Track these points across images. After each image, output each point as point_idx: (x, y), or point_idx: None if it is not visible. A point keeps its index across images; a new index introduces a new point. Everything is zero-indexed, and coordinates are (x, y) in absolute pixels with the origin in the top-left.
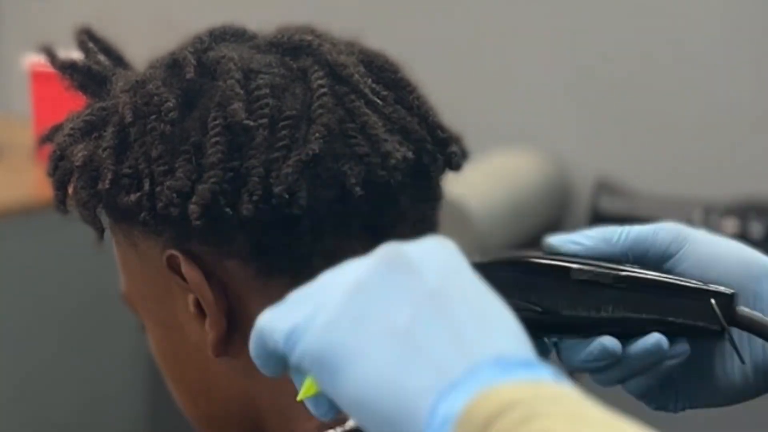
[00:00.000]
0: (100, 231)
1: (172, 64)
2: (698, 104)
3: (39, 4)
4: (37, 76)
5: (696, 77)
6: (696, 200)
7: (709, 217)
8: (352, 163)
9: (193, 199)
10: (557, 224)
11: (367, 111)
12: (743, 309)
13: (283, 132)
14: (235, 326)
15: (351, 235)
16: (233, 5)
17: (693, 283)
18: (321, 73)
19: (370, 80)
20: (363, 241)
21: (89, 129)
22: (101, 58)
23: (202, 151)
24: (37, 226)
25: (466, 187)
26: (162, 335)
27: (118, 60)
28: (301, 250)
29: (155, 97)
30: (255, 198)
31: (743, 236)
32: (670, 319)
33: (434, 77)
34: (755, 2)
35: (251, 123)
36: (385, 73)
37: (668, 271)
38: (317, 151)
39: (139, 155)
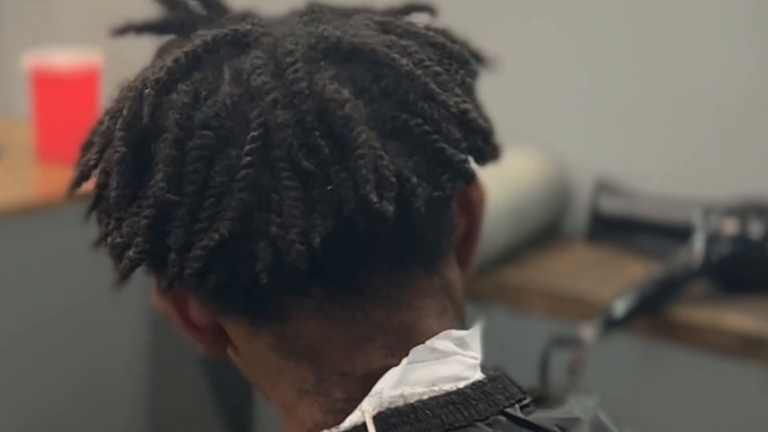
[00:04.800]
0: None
1: (138, 98)
2: (698, 104)
3: (39, 4)
4: (37, 76)
5: (696, 77)
6: (696, 200)
7: (709, 217)
8: (264, 243)
9: (122, 263)
10: (557, 224)
11: (290, 183)
12: None
13: (209, 201)
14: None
15: (300, 291)
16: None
17: None
18: (256, 134)
19: (316, 134)
20: (318, 294)
21: (88, 146)
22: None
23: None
24: (37, 226)
25: None
26: None
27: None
28: (242, 306)
29: (115, 142)
30: (170, 275)
31: (743, 236)
32: None
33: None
34: (756, 3)
35: (172, 197)
36: (334, 127)
37: None
38: (226, 235)
39: (110, 187)
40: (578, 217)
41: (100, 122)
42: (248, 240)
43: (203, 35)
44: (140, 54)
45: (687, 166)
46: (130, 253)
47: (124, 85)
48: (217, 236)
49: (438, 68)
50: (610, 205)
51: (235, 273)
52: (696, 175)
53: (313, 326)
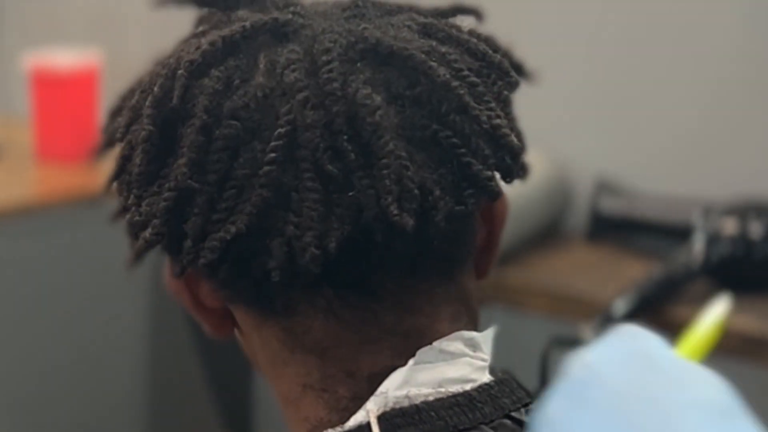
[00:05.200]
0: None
1: (171, 78)
2: (698, 104)
3: (39, 4)
4: (37, 76)
5: (696, 77)
6: (696, 200)
7: (709, 217)
8: (279, 242)
9: (138, 242)
10: (557, 224)
11: (312, 185)
12: None
13: (229, 192)
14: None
15: (310, 291)
16: None
17: None
18: (283, 131)
19: (343, 138)
20: (328, 294)
21: (116, 112)
22: None
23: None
24: (37, 226)
25: None
26: None
27: None
28: (257, 296)
29: (143, 120)
30: (184, 261)
31: (743, 236)
32: None
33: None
34: (756, 1)
35: (194, 184)
36: (362, 132)
37: None
38: (243, 230)
39: (134, 161)
40: (578, 217)
41: (131, 94)
42: (264, 236)
43: (243, 20)
44: (140, 54)
45: (687, 166)
46: (146, 234)
47: (159, 59)
48: (233, 229)
49: (475, 79)
50: (610, 205)
51: (248, 267)
52: (696, 175)
53: (322, 324)
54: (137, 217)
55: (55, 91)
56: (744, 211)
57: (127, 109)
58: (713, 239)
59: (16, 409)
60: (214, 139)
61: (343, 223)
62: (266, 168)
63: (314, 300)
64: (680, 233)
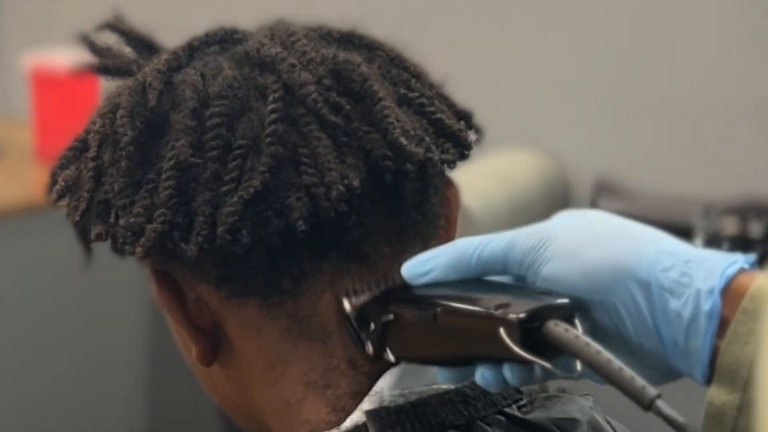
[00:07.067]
0: (88, 248)
1: (140, 88)
2: (698, 104)
3: (39, 4)
4: (37, 76)
5: (696, 76)
6: (696, 199)
7: (709, 217)
8: (299, 194)
9: (141, 241)
10: None
11: (319, 135)
12: (552, 327)
13: (233, 163)
14: (218, 341)
15: (319, 258)
16: (229, 3)
17: (483, 312)
18: (277, 95)
19: (334, 93)
20: (335, 262)
21: (77, 153)
22: (123, 50)
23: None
24: (37, 226)
25: (466, 187)
26: (178, 338)
27: (144, 47)
28: (264, 276)
29: (119, 129)
30: (200, 239)
31: (743, 236)
32: (478, 353)
33: (432, 77)
34: (751, 3)
35: (197, 160)
36: (352, 84)
37: (525, 283)
38: (259, 187)
39: (108, 185)
40: None
41: (93, 123)
42: (277, 196)
43: (193, 35)
44: None
45: (686, 166)
46: (154, 225)
47: (101, 104)
48: (251, 190)
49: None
50: (610, 205)
51: (266, 230)
52: (696, 174)
53: (327, 301)
54: (133, 219)
55: (55, 91)
56: (744, 211)
57: (93, 134)
58: (713, 239)
59: (16, 409)
60: (207, 118)
61: (357, 167)
62: (271, 128)
63: (322, 268)
64: (680, 233)
